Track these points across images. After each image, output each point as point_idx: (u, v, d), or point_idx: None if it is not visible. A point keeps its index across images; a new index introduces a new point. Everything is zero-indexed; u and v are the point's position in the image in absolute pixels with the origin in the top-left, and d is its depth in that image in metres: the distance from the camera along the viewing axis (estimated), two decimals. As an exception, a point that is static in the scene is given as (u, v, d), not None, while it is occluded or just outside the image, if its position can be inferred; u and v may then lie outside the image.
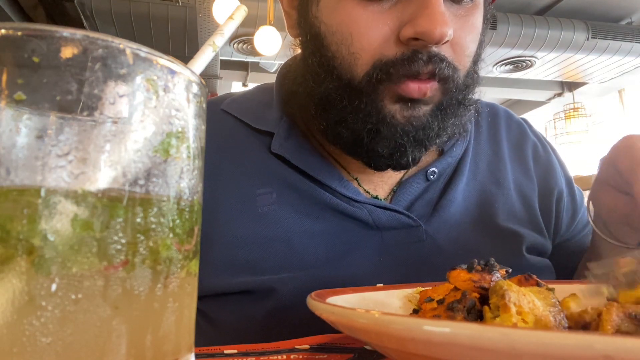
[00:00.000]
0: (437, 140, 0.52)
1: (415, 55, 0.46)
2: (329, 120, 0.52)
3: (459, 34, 0.48)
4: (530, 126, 0.72)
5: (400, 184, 0.60)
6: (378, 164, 0.52)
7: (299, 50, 0.58)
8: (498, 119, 0.70)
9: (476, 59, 0.53)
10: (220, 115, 0.63)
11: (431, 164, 0.61)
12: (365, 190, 0.59)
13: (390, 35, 0.47)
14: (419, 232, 0.56)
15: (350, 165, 0.59)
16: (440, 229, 0.57)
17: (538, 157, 0.68)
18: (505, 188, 0.63)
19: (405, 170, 0.62)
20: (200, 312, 0.55)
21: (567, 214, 0.67)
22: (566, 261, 0.66)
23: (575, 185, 0.71)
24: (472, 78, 0.53)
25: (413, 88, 0.47)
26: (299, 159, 0.56)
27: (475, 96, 0.55)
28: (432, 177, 0.60)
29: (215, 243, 0.53)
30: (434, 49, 0.46)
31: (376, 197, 0.59)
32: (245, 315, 0.53)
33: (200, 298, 0.54)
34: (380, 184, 0.60)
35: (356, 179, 0.60)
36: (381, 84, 0.47)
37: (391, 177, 0.61)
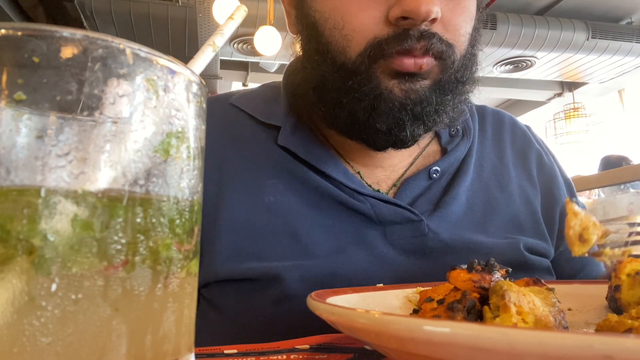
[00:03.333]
0: (436, 118, 0.53)
1: (406, 33, 0.48)
2: (327, 103, 0.54)
3: (450, 14, 0.50)
4: (534, 134, 0.74)
5: (403, 181, 0.61)
6: (377, 142, 0.54)
7: (298, 48, 0.59)
8: (503, 126, 0.71)
9: (473, 42, 0.54)
10: (228, 109, 0.65)
11: (434, 163, 0.62)
12: (368, 184, 0.60)
13: (381, 16, 0.49)
14: (421, 227, 0.56)
15: (354, 158, 0.61)
16: (442, 224, 0.57)
17: (542, 165, 0.69)
18: (508, 193, 0.64)
19: (407, 167, 0.63)
20: (205, 299, 0.56)
21: None
22: (569, 265, 0.67)
23: (574, 189, 0.72)
24: (470, 60, 0.54)
25: (408, 62, 0.49)
26: (304, 152, 0.58)
27: (475, 81, 0.56)
28: (434, 175, 0.61)
29: (221, 231, 0.54)
30: (424, 26, 0.48)
31: (378, 192, 0.60)
32: (250, 303, 0.53)
33: (206, 285, 0.55)
34: (383, 179, 0.61)
35: (359, 173, 0.61)
36: (375, 63, 0.49)
37: (394, 172, 0.62)
